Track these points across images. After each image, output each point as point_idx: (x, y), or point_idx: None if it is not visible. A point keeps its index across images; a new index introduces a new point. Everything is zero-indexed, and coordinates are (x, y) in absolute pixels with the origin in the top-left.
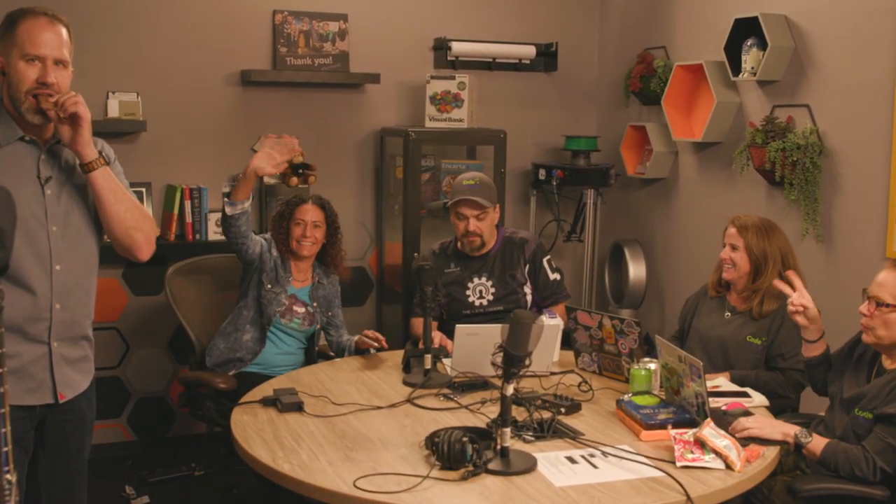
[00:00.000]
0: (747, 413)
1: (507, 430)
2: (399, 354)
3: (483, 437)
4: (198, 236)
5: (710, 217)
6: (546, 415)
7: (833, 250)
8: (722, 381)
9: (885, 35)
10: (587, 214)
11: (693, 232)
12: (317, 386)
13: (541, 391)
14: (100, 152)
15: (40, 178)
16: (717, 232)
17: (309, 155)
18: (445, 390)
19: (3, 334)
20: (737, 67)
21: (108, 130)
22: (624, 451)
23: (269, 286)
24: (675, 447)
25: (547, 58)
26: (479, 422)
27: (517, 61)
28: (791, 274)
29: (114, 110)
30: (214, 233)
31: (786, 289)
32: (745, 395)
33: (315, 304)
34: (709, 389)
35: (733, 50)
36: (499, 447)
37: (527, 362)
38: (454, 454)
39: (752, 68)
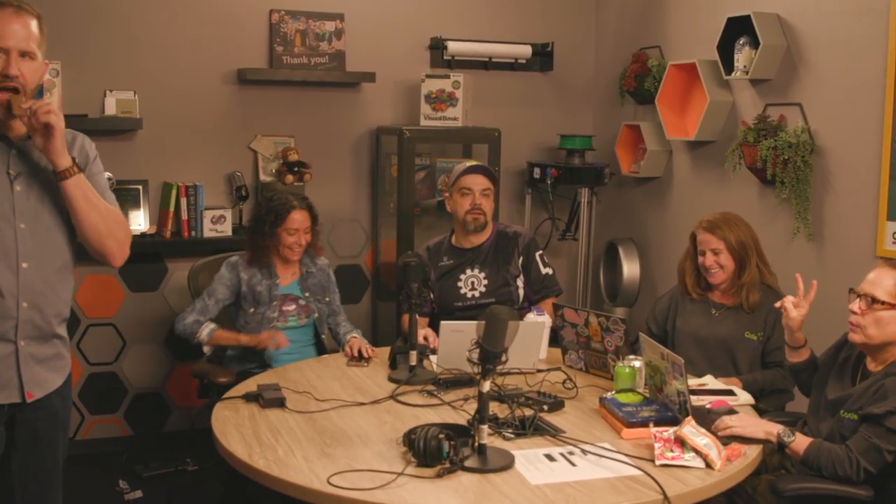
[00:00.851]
0: (731, 411)
1: (485, 427)
2: (388, 352)
3: (461, 434)
4: (193, 233)
5: (703, 216)
6: (529, 412)
7: (824, 249)
8: (709, 379)
9: (877, 34)
10: (581, 213)
11: (687, 231)
12: (302, 382)
13: (526, 388)
14: (74, 158)
15: (10, 173)
16: None
17: (304, 153)
18: (430, 387)
19: None
20: (729, 66)
21: (105, 128)
22: (603, 450)
23: (252, 310)
24: (655, 445)
25: (543, 57)
26: (461, 419)
27: (513, 61)
28: (813, 285)
29: (111, 108)
30: (210, 230)
31: (800, 287)
32: (731, 393)
33: (308, 295)
34: (695, 387)
35: (726, 49)
36: (476, 444)
37: (503, 358)
38: (430, 451)
39: (745, 67)
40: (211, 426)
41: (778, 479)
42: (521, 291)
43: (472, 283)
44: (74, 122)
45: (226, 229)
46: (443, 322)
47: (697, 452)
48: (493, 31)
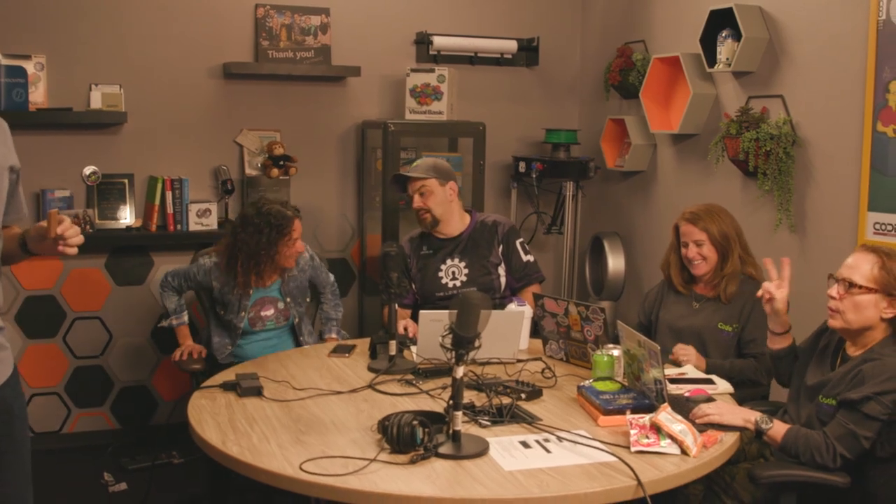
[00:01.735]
0: (710, 400)
1: (459, 414)
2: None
3: (436, 421)
4: (179, 227)
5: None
6: (507, 400)
7: (806, 240)
8: (688, 369)
9: (858, 26)
10: (567, 207)
11: (671, 224)
12: (281, 372)
13: (505, 378)
14: None
15: None
16: None
17: (290, 147)
18: (408, 376)
19: None
20: (712, 59)
21: (90, 122)
22: (579, 437)
23: (223, 313)
24: (631, 432)
25: (529, 52)
26: (439, 407)
27: (499, 56)
28: (785, 262)
29: (96, 102)
30: (196, 223)
31: (772, 271)
32: (710, 381)
33: (288, 300)
34: (674, 376)
35: (709, 42)
36: (450, 431)
37: (476, 344)
38: (404, 437)
39: (727, 59)
40: (187, 415)
41: (755, 467)
42: (502, 280)
43: (453, 272)
44: (59, 115)
45: (211, 223)
46: (422, 311)
47: (673, 439)
48: (479, 26)
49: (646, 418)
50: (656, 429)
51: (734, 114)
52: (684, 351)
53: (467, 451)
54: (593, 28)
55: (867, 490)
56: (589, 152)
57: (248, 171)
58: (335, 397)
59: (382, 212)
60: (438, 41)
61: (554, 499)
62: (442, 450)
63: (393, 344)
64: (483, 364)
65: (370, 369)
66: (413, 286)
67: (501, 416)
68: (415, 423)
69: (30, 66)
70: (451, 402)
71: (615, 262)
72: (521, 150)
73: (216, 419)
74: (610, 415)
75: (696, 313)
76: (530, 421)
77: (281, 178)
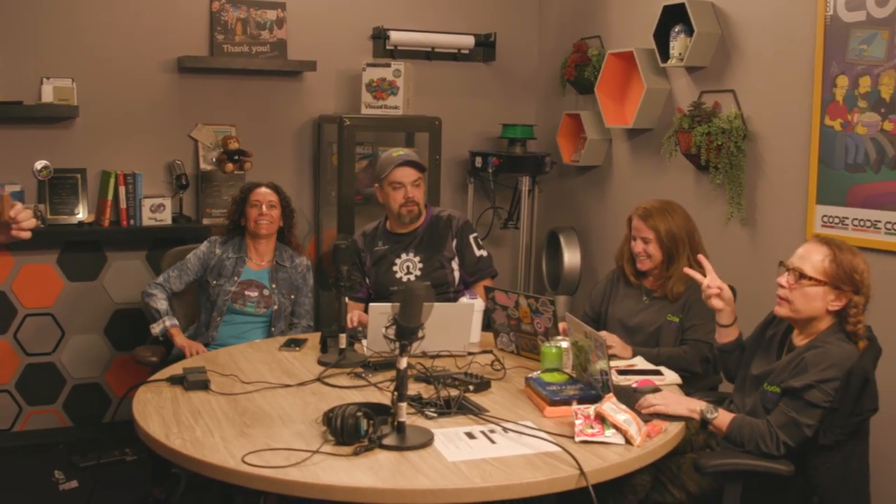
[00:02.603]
0: (657, 390)
1: (403, 405)
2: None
3: (381, 412)
4: (132, 222)
5: (641, 202)
6: (455, 392)
7: (757, 234)
8: (638, 360)
9: (807, 21)
10: (523, 202)
11: (626, 218)
12: (230, 365)
13: (455, 370)
14: None
15: None
16: None
17: (245, 142)
18: (358, 369)
19: None
20: (665, 54)
21: (42, 115)
22: (525, 427)
23: (214, 282)
24: (576, 422)
25: (486, 48)
26: (387, 399)
27: (456, 51)
28: (700, 258)
29: (48, 96)
30: (149, 218)
31: (696, 276)
32: (658, 373)
33: (274, 286)
34: (623, 367)
35: (663, 37)
36: (395, 422)
37: (420, 335)
38: (347, 429)
39: (680, 54)
40: (132, 409)
41: (701, 456)
42: (456, 274)
43: (408, 266)
44: (9, 109)
45: (165, 218)
46: (371, 304)
47: (617, 429)
48: (436, 22)
49: (591, 409)
50: (601, 419)
51: (686, 108)
52: (609, 340)
53: (411, 442)
54: (550, 24)
55: (810, 478)
56: (545, 147)
57: (203, 165)
58: (283, 391)
59: (338, 207)
60: (395, 36)
61: (496, 488)
62: (386, 441)
63: (343, 337)
64: (433, 357)
65: (320, 363)
66: (367, 280)
67: (448, 408)
68: (359, 414)
69: None
70: (395, 393)
71: (571, 257)
72: (478, 146)
73: (161, 413)
74: (556, 406)
75: (646, 308)
76: (477, 412)
77: (236, 172)
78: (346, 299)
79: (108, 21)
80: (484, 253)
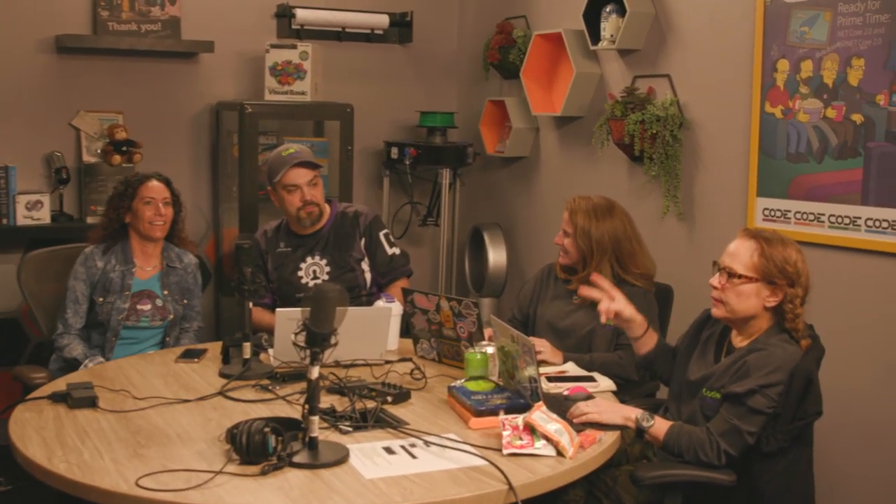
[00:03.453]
0: (590, 398)
1: (315, 419)
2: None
3: (291, 428)
4: (5, 221)
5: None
6: (371, 404)
7: (694, 228)
8: (569, 366)
9: (746, 2)
10: (444, 197)
11: (555, 214)
12: (120, 380)
13: (371, 380)
14: None
15: None
16: None
17: (134, 131)
18: (264, 381)
19: None
20: (596, 36)
21: None
22: (448, 440)
23: (102, 299)
24: (504, 434)
25: (401, 28)
26: (297, 413)
27: (369, 31)
28: (596, 278)
29: None
30: (25, 217)
31: (593, 294)
32: (591, 379)
33: (166, 293)
34: (554, 374)
35: (593, 18)
36: (306, 438)
37: (333, 341)
38: (254, 446)
39: (612, 36)
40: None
41: (638, 468)
42: (367, 276)
43: (314, 271)
44: None
45: (43, 216)
46: (279, 310)
47: (548, 440)
48: (347, 0)
49: (519, 419)
50: (530, 429)
51: (619, 94)
52: (539, 345)
53: (324, 459)
54: (471, 2)
55: (754, 486)
56: (467, 137)
57: (87, 157)
58: (181, 406)
59: (240, 203)
60: (302, 14)
61: None
62: (297, 458)
63: (247, 346)
64: (348, 366)
65: (221, 375)
66: (271, 284)
67: (364, 422)
68: (266, 430)
69: None
70: (306, 406)
71: (496, 256)
72: (394, 135)
73: (41, 434)
74: (482, 416)
75: (576, 310)
76: (396, 425)
77: (124, 165)
78: (251, 305)
79: None
80: (397, 251)
